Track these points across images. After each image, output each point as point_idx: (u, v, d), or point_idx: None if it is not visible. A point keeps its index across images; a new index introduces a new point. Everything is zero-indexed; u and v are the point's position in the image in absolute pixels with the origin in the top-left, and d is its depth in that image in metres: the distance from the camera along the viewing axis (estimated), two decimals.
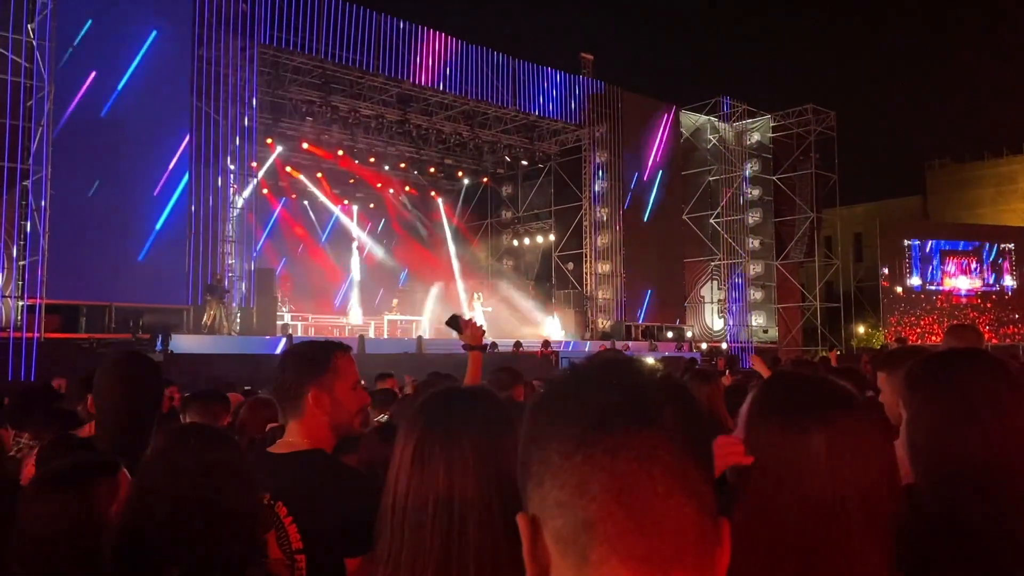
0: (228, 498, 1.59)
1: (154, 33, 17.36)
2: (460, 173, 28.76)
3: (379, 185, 27.28)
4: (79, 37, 16.26)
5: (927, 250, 33.38)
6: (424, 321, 23.90)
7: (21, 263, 15.23)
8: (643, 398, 0.72)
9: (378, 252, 27.99)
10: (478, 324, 3.37)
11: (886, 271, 32.82)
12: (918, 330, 31.87)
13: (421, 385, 4.74)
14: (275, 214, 25.32)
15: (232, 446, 1.75)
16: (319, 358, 2.20)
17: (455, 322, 3.41)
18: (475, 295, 25.45)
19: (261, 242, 21.42)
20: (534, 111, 24.55)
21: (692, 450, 0.71)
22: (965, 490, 1.32)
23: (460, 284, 27.32)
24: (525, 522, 0.73)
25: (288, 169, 24.71)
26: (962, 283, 33.69)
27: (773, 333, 30.17)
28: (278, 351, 15.44)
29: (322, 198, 26.15)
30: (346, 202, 27.19)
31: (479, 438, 1.30)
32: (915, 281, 33.14)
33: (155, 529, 1.55)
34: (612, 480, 0.68)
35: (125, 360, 2.50)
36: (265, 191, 23.77)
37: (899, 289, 32.82)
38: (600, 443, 0.69)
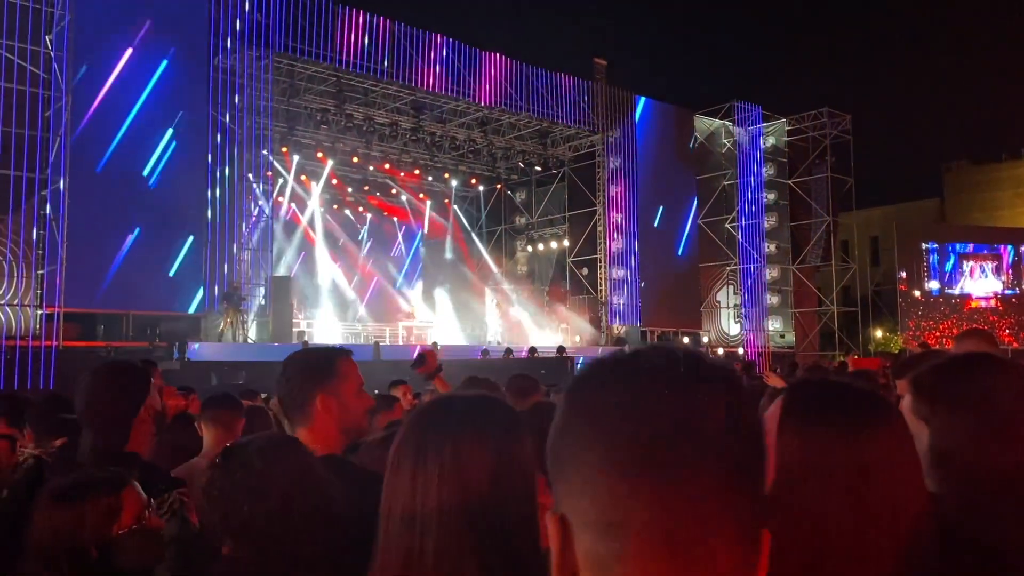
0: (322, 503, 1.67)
1: (172, 49, 17.52)
2: (474, 180, 28.82)
3: (394, 191, 27.36)
4: (96, 48, 16.43)
5: (945, 253, 33.09)
6: (440, 328, 23.94)
7: (39, 272, 15.38)
8: (704, 421, 0.67)
9: (394, 258, 28.05)
10: (433, 352, 3.69)
11: (904, 275, 32.56)
12: (936, 334, 31.57)
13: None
14: (288, 221, 25.42)
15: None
16: (323, 364, 2.22)
17: (420, 360, 3.89)
18: (490, 300, 25.48)
19: (293, 250, 21.52)
20: (547, 117, 24.57)
21: (749, 477, 0.68)
22: (1000, 503, 1.29)
23: (488, 295, 27.30)
24: (558, 524, 0.69)
25: (303, 177, 24.84)
26: (981, 286, 33.37)
27: (790, 338, 29.99)
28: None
29: (340, 205, 26.25)
30: (360, 209, 27.27)
31: (446, 449, 1.27)
32: (933, 285, 32.85)
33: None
34: (661, 517, 0.64)
35: (100, 370, 2.51)
36: (280, 198, 23.90)
37: (917, 293, 32.55)
38: (651, 476, 0.65)
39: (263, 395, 7.65)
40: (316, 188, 25.35)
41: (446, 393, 1.50)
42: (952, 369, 1.48)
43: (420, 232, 29.47)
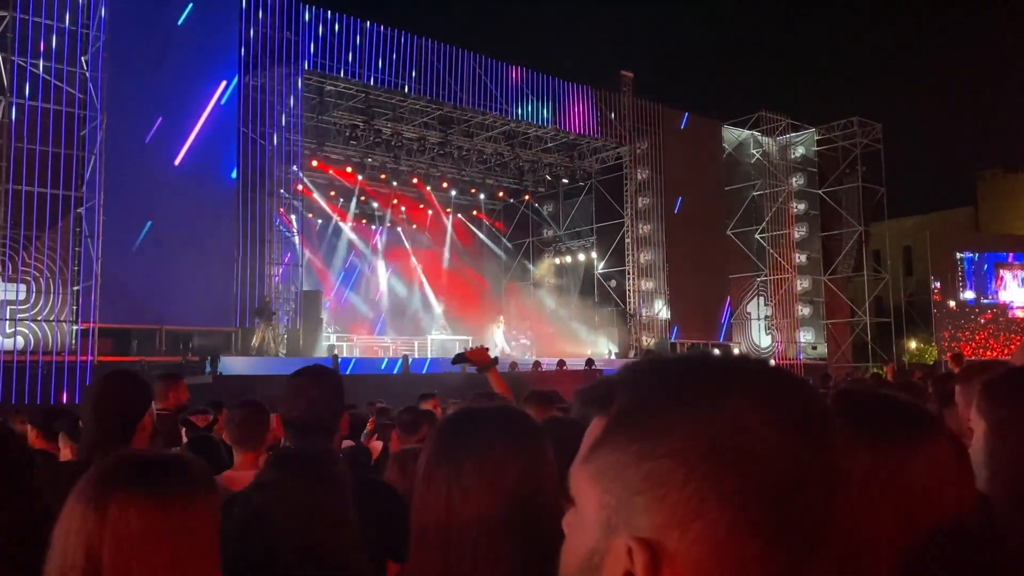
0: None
1: (203, 68, 17.80)
2: (501, 193, 28.90)
3: (421, 206, 27.52)
4: (130, 68, 16.73)
5: (980, 262, 32.55)
6: (469, 340, 23.95)
7: (75, 288, 15.64)
8: (830, 467, 0.64)
9: (420, 271, 28.16)
10: (481, 346, 3.60)
11: (938, 285, 32.06)
12: (972, 344, 31.03)
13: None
14: (317, 235, 25.65)
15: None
16: (339, 384, 2.38)
17: (460, 358, 3.72)
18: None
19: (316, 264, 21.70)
20: (574, 130, 24.60)
21: None
22: None
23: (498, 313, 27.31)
24: (646, 552, 0.61)
25: (332, 192, 25.09)
26: (1018, 296, 32.76)
27: (822, 349, 29.64)
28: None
29: (369, 219, 26.43)
30: (389, 224, 27.44)
31: (480, 459, 1.29)
32: (968, 295, 32.31)
33: None
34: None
35: (100, 380, 2.61)
36: (310, 215, 24.14)
37: (952, 303, 32.03)
38: (792, 542, 0.62)
39: None
40: (343, 202, 25.57)
41: (470, 405, 1.50)
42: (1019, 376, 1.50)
43: (449, 244, 29.56)
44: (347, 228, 25.96)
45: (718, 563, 0.60)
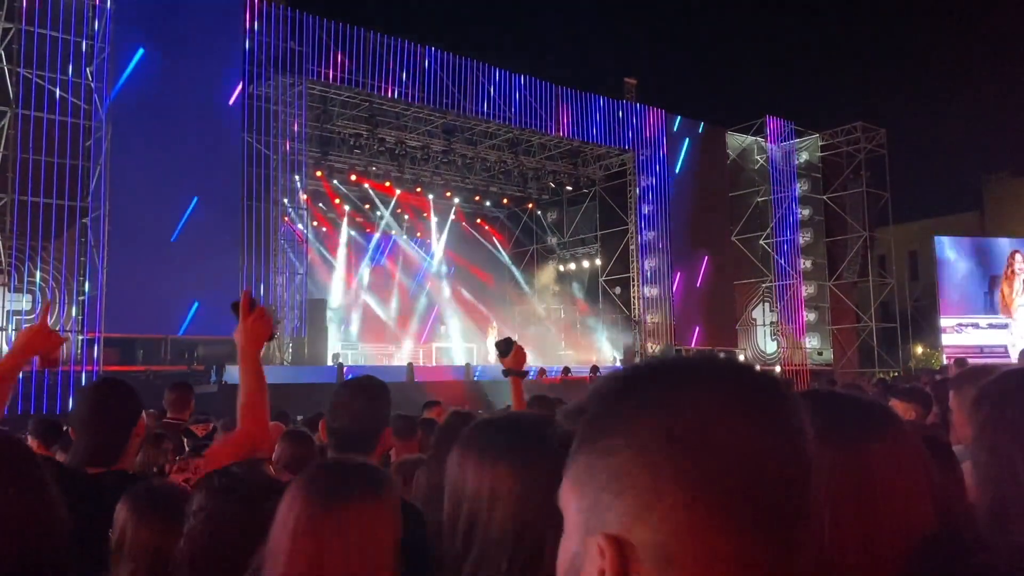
0: None
1: (207, 77, 17.87)
2: (505, 200, 28.94)
3: (426, 215, 27.55)
4: (135, 78, 16.81)
5: None
6: (472, 348, 23.98)
7: (80, 298, 15.70)
8: (810, 469, 0.63)
9: (427, 279, 28.19)
10: (523, 351, 3.28)
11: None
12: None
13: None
14: (323, 244, 25.70)
15: None
16: (387, 397, 2.33)
17: (506, 345, 3.24)
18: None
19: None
20: (578, 137, 24.63)
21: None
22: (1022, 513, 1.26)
23: (494, 318, 27.29)
24: (615, 547, 0.61)
25: (337, 201, 25.16)
26: None
27: (828, 355, 29.56)
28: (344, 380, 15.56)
29: (373, 227, 26.50)
30: (393, 233, 27.47)
31: (507, 466, 1.27)
32: None
33: None
34: (754, 568, 0.61)
35: (94, 387, 2.63)
36: (315, 223, 24.21)
37: None
38: (764, 528, 0.61)
39: (299, 417, 7.70)
40: (348, 210, 25.65)
41: (511, 412, 1.49)
42: (1015, 381, 1.47)
43: (453, 252, 29.61)
44: (351, 235, 26.00)
45: (681, 550, 0.60)
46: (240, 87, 18.24)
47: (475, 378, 19.07)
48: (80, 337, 15.59)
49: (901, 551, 1.04)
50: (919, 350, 33.30)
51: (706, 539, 0.60)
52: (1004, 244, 29.82)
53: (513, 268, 30.06)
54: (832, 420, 1.12)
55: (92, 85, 15.99)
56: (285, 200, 18.88)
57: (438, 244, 28.19)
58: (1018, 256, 28.67)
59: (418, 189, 25.79)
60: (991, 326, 27.93)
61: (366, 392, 2.38)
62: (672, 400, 0.65)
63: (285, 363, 17.95)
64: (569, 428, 0.70)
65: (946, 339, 27.61)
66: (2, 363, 2.41)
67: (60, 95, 15.59)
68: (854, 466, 1.07)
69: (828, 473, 1.07)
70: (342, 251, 25.82)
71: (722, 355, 0.72)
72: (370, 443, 2.27)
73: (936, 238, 29.79)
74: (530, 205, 29.59)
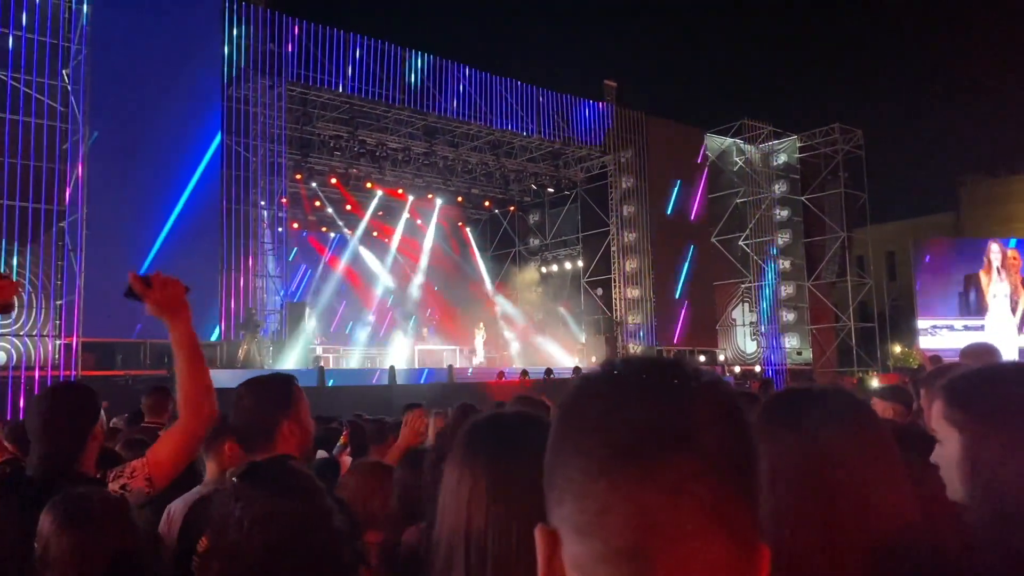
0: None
1: (186, 79, 17.75)
2: (487, 202, 28.93)
3: (408, 216, 27.47)
4: (112, 80, 16.66)
5: None
6: (455, 350, 23.96)
7: (58, 302, 15.53)
8: (681, 417, 0.64)
9: (408, 283, 28.11)
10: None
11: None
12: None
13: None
14: (303, 246, 25.60)
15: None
16: (285, 390, 2.31)
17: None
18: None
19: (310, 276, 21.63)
20: (559, 139, 24.68)
21: (733, 477, 0.64)
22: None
23: (481, 320, 27.26)
24: (544, 536, 0.67)
25: (317, 204, 25.06)
26: None
27: (807, 355, 29.76)
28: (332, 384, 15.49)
29: (354, 229, 26.41)
30: (375, 234, 27.39)
31: (494, 467, 1.26)
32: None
33: None
34: (636, 513, 0.61)
35: (46, 394, 2.57)
36: (295, 225, 24.12)
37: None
38: (625, 469, 0.62)
39: None
40: (329, 213, 25.55)
41: (493, 411, 1.47)
42: (986, 378, 1.46)
43: (435, 254, 29.55)
44: (330, 236, 25.88)
45: (581, 512, 0.64)
46: (219, 89, 18.13)
47: (456, 380, 19.06)
48: (58, 342, 15.43)
49: (869, 541, 1.05)
50: (897, 349, 33.61)
51: (597, 497, 0.63)
52: (980, 245, 30.16)
53: (496, 270, 30.03)
54: (789, 403, 1.14)
55: (69, 87, 15.84)
56: (263, 202, 18.77)
57: (422, 245, 28.14)
58: (994, 247, 28.96)
59: (400, 191, 25.73)
60: (967, 328, 28.20)
61: (259, 388, 2.40)
62: (574, 391, 0.71)
63: (265, 366, 17.84)
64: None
65: (922, 342, 27.87)
66: None
67: (36, 97, 15.43)
68: (810, 450, 1.08)
69: (781, 455, 1.10)
70: (323, 253, 25.72)
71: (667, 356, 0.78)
72: (268, 437, 2.28)
73: (914, 240, 30.10)
74: (512, 208, 29.60)
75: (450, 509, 1.27)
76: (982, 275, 28.79)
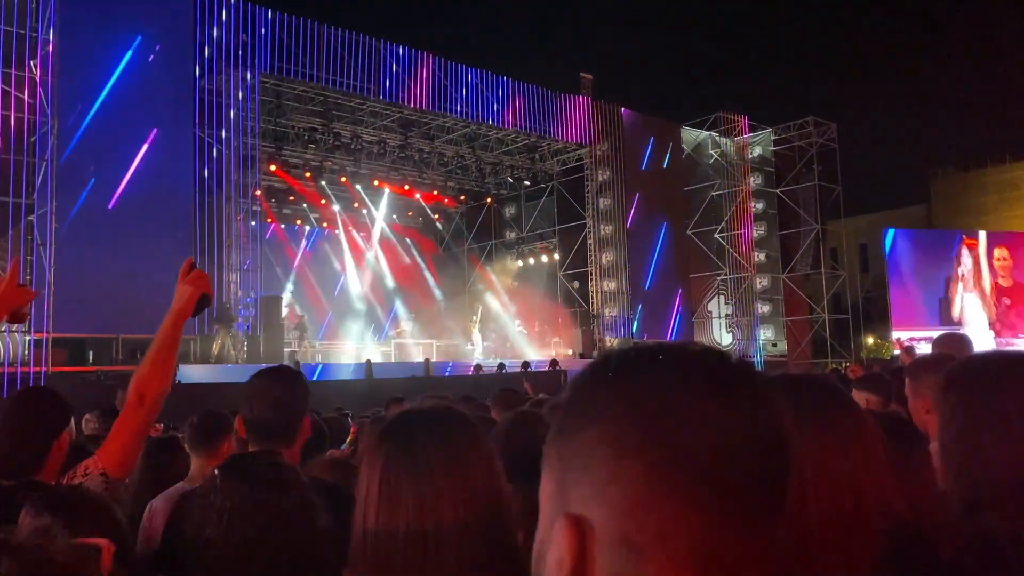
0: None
1: (157, 70, 17.50)
2: (463, 196, 28.85)
3: (384, 209, 27.33)
4: (81, 72, 16.40)
5: None
6: (431, 345, 23.88)
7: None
8: (761, 444, 0.60)
9: (384, 277, 27.99)
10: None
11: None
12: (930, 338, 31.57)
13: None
14: (276, 240, 25.39)
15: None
16: (305, 384, 2.30)
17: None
18: (472, 317, 25.38)
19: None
20: (535, 131, 24.64)
21: (785, 502, 0.61)
22: (995, 500, 1.27)
23: (474, 312, 27.23)
24: (575, 527, 0.59)
25: (291, 198, 24.84)
26: None
27: (782, 347, 30.03)
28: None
29: (329, 223, 26.24)
30: (351, 229, 27.23)
31: (447, 460, 1.26)
32: None
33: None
34: (701, 541, 0.58)
35: (10, 399, 2.50)
36: (269, 220, 23.89)
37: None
38: (702, 497, 0.58)
39: None
40: (304, 208, 25.37)
41: (416, 406, 1.48)
42: (969, 366, 1.46)
43: (412, 248, 29.45)
44: (304, 228, 25.71)
45: (638, 530, 0.58)
46: (190, 80, 17.89)
47: (434, 374, 19.02)
48: (27, 338, 15.17)
49: (850, 533, 1.04)
50: (870, 341, 34.01)
51: (664, 519, 0.57)
52: (951, 236, 30.59)
53: (472, 263, 29.99)
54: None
55: (37, 78, 15.54)
56: (237, 195, 18.57)
57: (397, 238, 28.02)
58: (964, 251, 29.38)
59: (375, 183, 25.57)
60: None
61: (283, 378, 2.32)
62: (642, 374, 0.64)
63: (239, 361, 17.68)
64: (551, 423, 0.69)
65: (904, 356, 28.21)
66: None
67: (3, 88, 15.13)
68: (803, 439, 1.07)
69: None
70: (297, 247, 25.53)
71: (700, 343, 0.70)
72: (290, 432, 2.21)
73: (886, 230, 30.46)
74: (488, 200, 29.54)
75: (359, 506, 1.30)
76: (951, 284, 29.27)
